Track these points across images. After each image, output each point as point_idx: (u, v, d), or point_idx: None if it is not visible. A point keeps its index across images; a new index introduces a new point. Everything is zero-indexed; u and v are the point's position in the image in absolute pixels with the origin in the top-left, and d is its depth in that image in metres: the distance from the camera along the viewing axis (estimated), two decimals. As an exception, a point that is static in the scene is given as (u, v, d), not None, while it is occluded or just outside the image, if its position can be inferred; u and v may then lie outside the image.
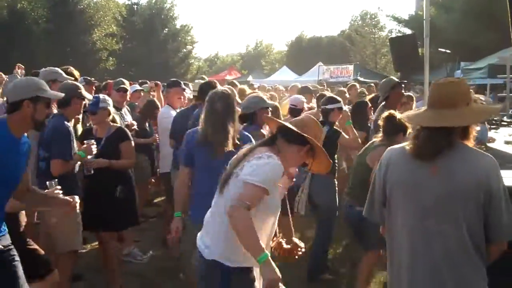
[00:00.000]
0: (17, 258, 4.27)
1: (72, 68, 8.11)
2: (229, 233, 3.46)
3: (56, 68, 7.27)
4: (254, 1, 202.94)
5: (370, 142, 6.38)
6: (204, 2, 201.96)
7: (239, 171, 3.61)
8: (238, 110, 5.51)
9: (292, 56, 74.64)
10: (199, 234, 3.90)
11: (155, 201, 11.21)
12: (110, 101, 6.51)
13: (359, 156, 6.24)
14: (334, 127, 7.18)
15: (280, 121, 4.05)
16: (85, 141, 6.07)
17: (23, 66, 8.76)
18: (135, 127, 8.51)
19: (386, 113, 6.11)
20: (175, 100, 8.79)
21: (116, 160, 6.29)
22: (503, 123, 10.48)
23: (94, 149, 5.99)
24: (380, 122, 6.10)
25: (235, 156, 3.86)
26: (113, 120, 6.61)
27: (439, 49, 28.12)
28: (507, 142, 8.14)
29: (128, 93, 8.31)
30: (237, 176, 3.60)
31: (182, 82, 9.15)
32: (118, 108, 8.12)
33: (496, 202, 3.09)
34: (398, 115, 6.01)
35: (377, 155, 5.84)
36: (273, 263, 3.36)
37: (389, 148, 3.57)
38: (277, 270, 3.35)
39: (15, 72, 8.76)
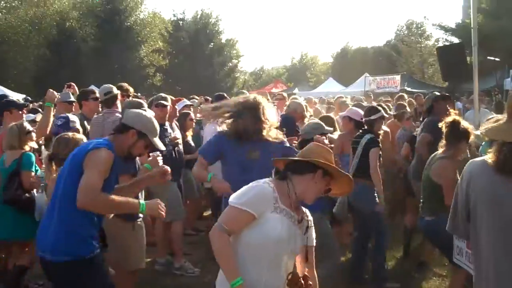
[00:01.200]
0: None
1: (126, 84, 8.28)
2: None
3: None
4: (298, 13, 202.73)
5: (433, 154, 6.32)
6: (249, 16, 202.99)
7: None
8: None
9: (337, 68, 74.33)
10: None
11: (205, 214, 11.27)
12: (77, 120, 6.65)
13: (425, 170, 6.19)
14: (375, 137, 7.29)
15: (286, 158, 4.03)
16: (150, 154, 6.14)
17: (75, 85, 8.92)
18: (179, 140, 8.54)
19: (450, 119, 6.03)
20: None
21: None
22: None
23: (160, 161, 6.08)
24: (444, 129, 6.02)
25: None
26: None
27: (488, 57, 27.69)
28: None
29: (168, 108, 8.35)
30: None
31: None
32: (160, 124, 8.13)
33: None
34: (462, 122, 6.02)
35: (439, 168, 5.87)
36: None
37: (470, 161, 3.39)
38: None
39: (66, 90, 8.92)
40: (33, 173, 6.48)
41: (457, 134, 5.94)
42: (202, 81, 50.97)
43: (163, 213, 4.54)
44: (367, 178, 7.03)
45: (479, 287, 3.25)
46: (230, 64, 61.57)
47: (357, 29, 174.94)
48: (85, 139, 5.57)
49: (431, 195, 5.98)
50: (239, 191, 3.60)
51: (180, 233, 8.23)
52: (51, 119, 7.30)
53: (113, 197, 4.26)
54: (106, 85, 8.00)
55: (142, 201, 4.47)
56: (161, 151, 5.35)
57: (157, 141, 4.73)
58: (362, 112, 7.97)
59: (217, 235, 3.48)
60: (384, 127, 8.31)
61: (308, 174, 3.64)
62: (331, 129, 7.79)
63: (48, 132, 7.40)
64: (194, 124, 10.11)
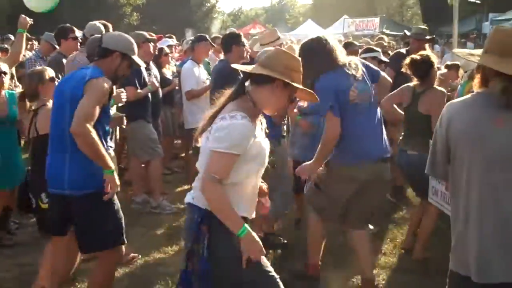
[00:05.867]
0: None
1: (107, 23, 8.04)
2: None
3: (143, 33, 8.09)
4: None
5: (405, 88, 6.42)
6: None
7: (209, 134, 3.44)
8: None
9: (316, 10, 73.77)
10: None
11: (182, 155, 11.25)
12: None
13: (408, 107, 6.32)
14: None
15: (244, 66, 3.74)
16: (116, 90, 6.07)
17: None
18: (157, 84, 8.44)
19: (407, 60, 6.25)
20: (202, 55, 8.79)
21: None
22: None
23: (124, 97, 6.20)
24: (407, 71, 6.28)
25: (208, 113, 3.61)
26: None
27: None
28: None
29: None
30: (207, 139, 3.44)
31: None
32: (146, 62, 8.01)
33: None
34: (417, 56, 6.24)
35: (426, 100, 6.09)
36: (253, 233, 3.35)
37: (449, 102, 3.38)
38: (258, 240, 3.36)
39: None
40: None
41: (422, 67, 6.15)
42: (179, 21, 50.28)
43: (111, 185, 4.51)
44: None
45: (456, 227, 3.28)
46: (208, 5, 60.77)
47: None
48: (52, 73, 5.59)
49: (417, 129, 6.10)
50: (218, 134, 3.32)
51: (158, 172, 8.27)
52: (24, 46, 7.22)
53: (100, 145, 4.31)
54: (93, 23, 7.66)
55: (113, 167, 4.49)
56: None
57: (137, 59, 4.79)
58: None
59: (212, 188, 3.27)
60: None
61: (268, 86, 3.45)
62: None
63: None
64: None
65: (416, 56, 6.24)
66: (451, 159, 3.25)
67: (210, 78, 8.50)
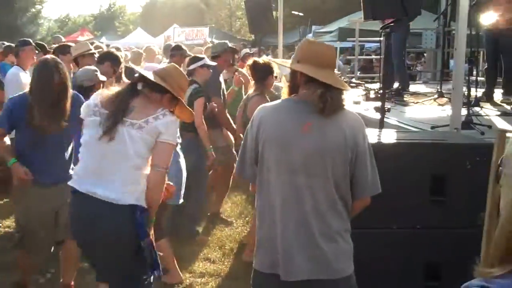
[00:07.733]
0: None
1: None
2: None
3: None
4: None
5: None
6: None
7: (142, 123, 3.64)
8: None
9: (147, 18, 73.34)
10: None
11: None
12: None
13: (243, 111, 6.60)
14: (199, 87, 6.98)
15: (146, 72, 3.96)
16: None
17: None
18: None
19: (250, 61, 6.57)
20: (28, 60, 8.43)
21: None
22: (351, 84, 10.89)
23: None
24: (248, 71, 6.65)
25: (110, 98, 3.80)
26: None
27: (293, 12, 28.83)
28: (355, 102, 8.49)
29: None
30: (139, 128, 3.64)
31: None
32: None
33: (362, 159, 3.19)
34: (261, 59, 6.62)
35: (253, 105, 6.11)
36: None
37: (260, 106, 3.48)
38: None
39: None
40: None
41: (262, 71, 6.42)
42: (2, 26, 48.05)
43: None
44: (194, 131, 6.76)
45: (261, 227, 3.38)
46: (33, 10, 58.54)
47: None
48: None
49: None
50: (172, 130, 3.77)
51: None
52: None
53: None
54: None
55: None
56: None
57: None
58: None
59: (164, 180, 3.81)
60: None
61: (158, 94, 3.72)
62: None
63: None
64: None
65: (259, 60, 6.54)
66: (259, 161, 3.33)
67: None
